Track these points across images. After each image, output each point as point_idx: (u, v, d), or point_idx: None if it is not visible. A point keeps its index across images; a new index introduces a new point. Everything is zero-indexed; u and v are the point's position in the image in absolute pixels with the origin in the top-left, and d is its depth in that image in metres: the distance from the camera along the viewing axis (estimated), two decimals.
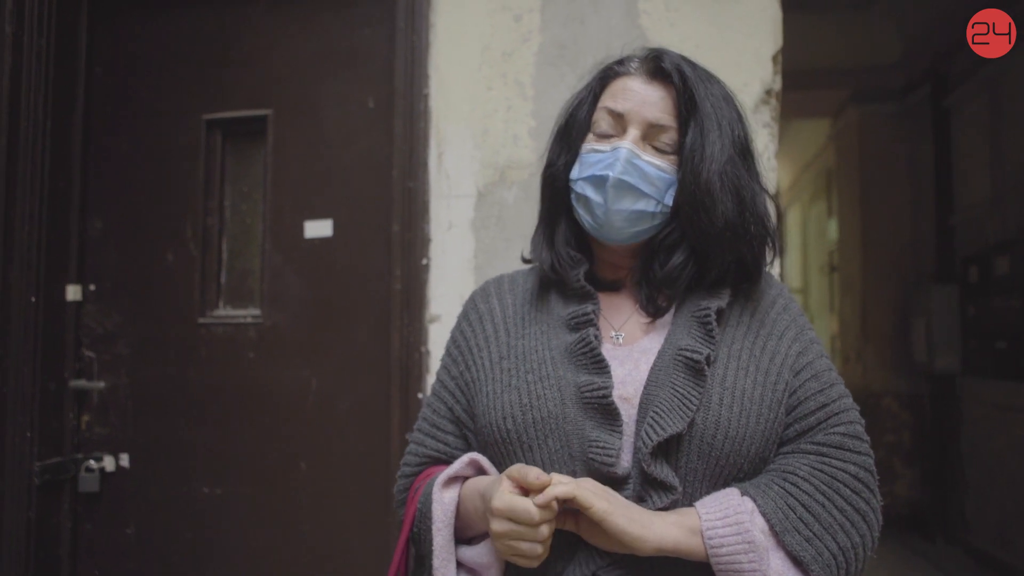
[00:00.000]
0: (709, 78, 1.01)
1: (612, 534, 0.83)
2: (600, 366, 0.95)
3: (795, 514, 0.88)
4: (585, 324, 0.99)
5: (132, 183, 2.14)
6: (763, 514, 0.87)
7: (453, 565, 0.95)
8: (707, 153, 0.95)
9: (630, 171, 0.96)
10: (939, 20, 4.58)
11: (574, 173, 1.03)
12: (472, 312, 1.13)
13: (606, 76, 1.06)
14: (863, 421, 0.97)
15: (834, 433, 0.94)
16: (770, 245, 1.03)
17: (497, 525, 0.85)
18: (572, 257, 1.06)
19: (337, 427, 1.99)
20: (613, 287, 1.07)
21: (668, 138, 0.98)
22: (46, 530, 2.02)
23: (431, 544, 0.95)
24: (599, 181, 0.98)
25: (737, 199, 0.96)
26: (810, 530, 0.87)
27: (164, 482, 2.08)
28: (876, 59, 5.23)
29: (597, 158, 0.99)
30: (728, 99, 1.01)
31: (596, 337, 0.97)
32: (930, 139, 4.99)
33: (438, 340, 1.86)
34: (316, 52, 2.06)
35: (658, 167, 0.97)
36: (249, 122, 2.11)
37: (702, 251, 0.98)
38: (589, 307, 1.00)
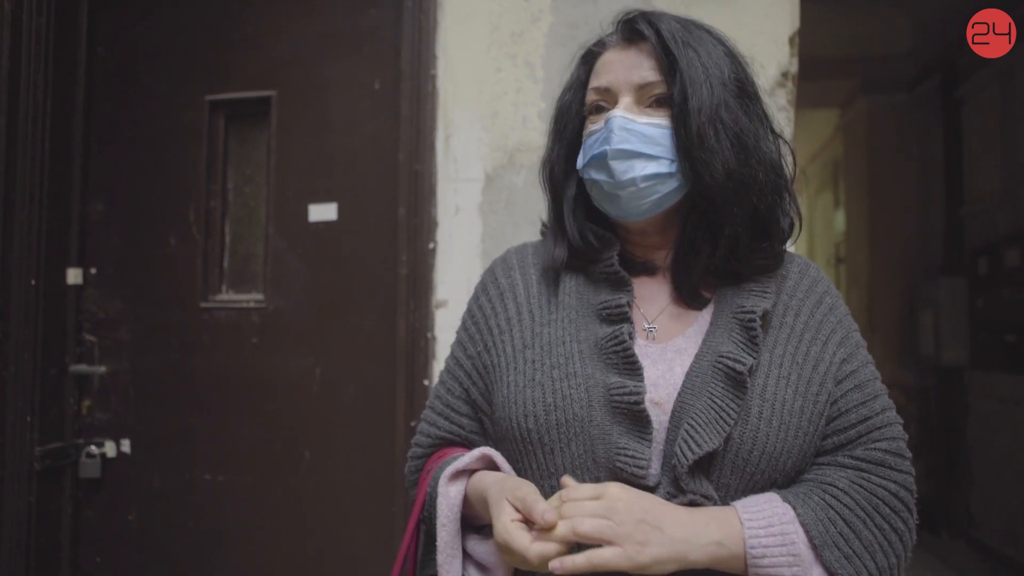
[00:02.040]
0: (688, 25, 0.94)
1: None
2: (633, 367, 0.88)
3: (835, 528, 0.83)
4: (619, 318, 0.92)
5: (134, 165, 2.11)
6: (803, 524, 0.82)
7: (458, 561, 0.91)
8: (692, 103, 0.87)
9: (627, 138, 0.89)
10: (950, 10, 4.52)
11: (579, 161, 0.97)
12: (492, 286, 1.05)
13: (588, 59, 1.01)
14: (906, 436, 0.92)
15: (875, 449, 0.88)
16: (787, 196, 0.96)
17: (502, 552, 0.80)
18: (600, 237, 0.98)
19: (341, 414, 1.96)
20: (647, 269, 1.00)
21: (662, 93, 0.91)
22: (46, 516, 1.99)
23: (437, 539, 0.91)
24: (600, 159, 0.91)
25: (738, 145, 0.88)
26: (850, 547, 0.82)
27: (166, 468, 2.06)
28: (886, 49, 5.17)
29: (593, 138, 0.94)
30: (717, 42, 0.94)
31: (630, 335, 0.90)
32: (940, 130, 4.93)
33: (445, 326, 1.82)
34: (321, 33, 2.02)
35: (658, 125, 0.91)
36: (252, 103, 2.07)
37: (708, 208, 0.91)
38: (623, 298, 0.93)
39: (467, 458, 0.93)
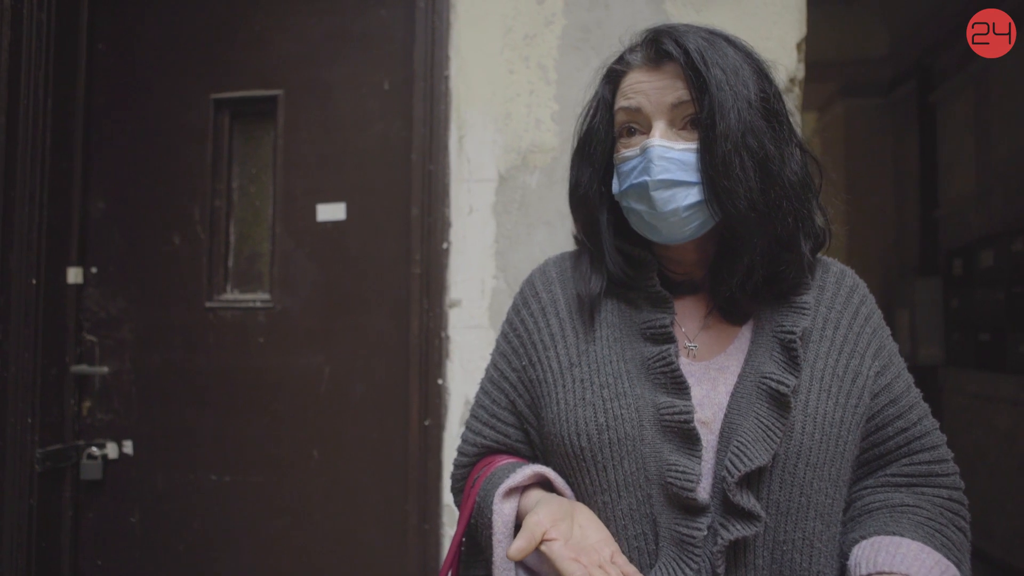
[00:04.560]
0: (715, 39, 0.91)
1: None
2: (680, 387, 0.89)
3: (938, 541, 0.86)
4: (663, 338, 0.93)
5: (136, 163, 2.09)
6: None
7: (513, 574, 0.92)
8: (720, 129, 0.85)
9: (668, 168, 0.87)
10: (926, 15, 4.64)
11: (615, 188, 0.95)
12: (533, 300, 1.05)
13: (612, 78, 0.98)
14: (944, 438, 0.95)
15: (919, 462, 0.92)
16: (816, 213, 0.95)
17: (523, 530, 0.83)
18: (637, 261, 0.98)
19: (352, 415, 1.96)
20: (686, 288, 1.00)
21: (694, 113, 0.89)
22: (47, 519, 1.97)
23: (491, 554, 0.92)
24: (640, 190, 0.89)
25: (762, 174, 0.86)
26: (954, 556, 0.86)
27: (169, 470, 2.04)
28: (863, 53, 5.28)
29: (630, 165, 0.91)
30: (743, 56, 0.91)
31: (676, 354, 0.91)
32: (915, 133, 5.05)
33: (458, 325, 1.83)
34: (328, 32, 2.02)
35: (695, 150, 0.88)
36: (258, 102, 2.06)
37: (730, 234, 0.90)
38: (666, 317, 0.94)
39: (520, 475, 0.93)
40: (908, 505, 0.90)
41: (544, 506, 0.86)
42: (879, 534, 0.87)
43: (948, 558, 0.85)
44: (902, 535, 0.86)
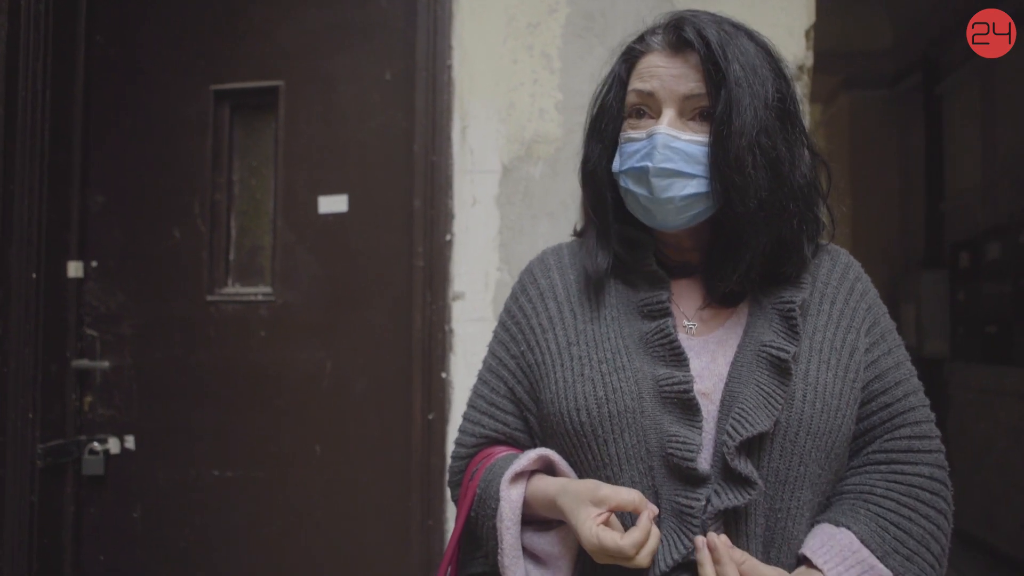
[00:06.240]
0: (737, 34, 0.90)
1: None
2: (679, 358, 0.90)
3: (890, 535, 0.86)
4: (660, 313, 0.94)
5: (136, 156, 2.07)
6: (863, 542, 0.84)
7: (521, 562, 0.92)
8: (735, 126, 0.84)
9: (670, 157, 0.87)
10: (932, 7, 4.60)
11: (615, 165, 0.95)
12: (531, 286, 1.05)
13: (629, 57, 0.97)
14: (932, 417, 0.94)
15: (899, 437, 0.91)
16: (821, 215, 0.96)
17: (596, 558, 0.82)
18: (635, 241, 0.98)
19: (354, 408, 1.94)
20: (682, 271, 1.00)
21: (706, 107, 0.89)
22: (49, 514, 1.96)
23: (501, 542, 0.91)
24: (639, 173, 0.90)
25: (772, 174, 0.87)
26: (907, 548, 0.85)
27: (171, 465, 2.03)
28: (868, 45, 5.25)
29: (634, 147, 0.91)
30: (764, 54, 0.91)
31: (674, 327, 0.92)
32: (921, 125, 5.02)
33: (462, 318, 1.82)
34: (329, 23, 2.00)
35: (700, 143, 0.88)
36: (259, 94, 2.04)
37: (734, 232, 0.90)
38: (663, 294, 0.95)
39: (525, 460, 0.93)
40: (874, 494, 0.89)
41: (572, 491, 0.86)
42: (830, 522, 0.88)
43: (897, 551, 0.85)
44: (848, 526, 0.86)
